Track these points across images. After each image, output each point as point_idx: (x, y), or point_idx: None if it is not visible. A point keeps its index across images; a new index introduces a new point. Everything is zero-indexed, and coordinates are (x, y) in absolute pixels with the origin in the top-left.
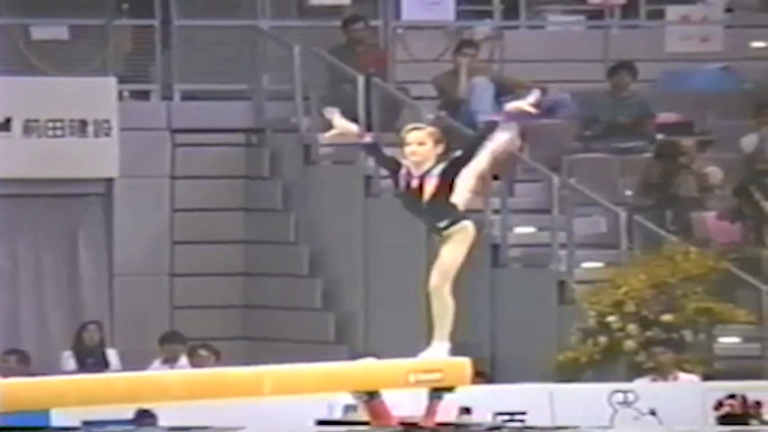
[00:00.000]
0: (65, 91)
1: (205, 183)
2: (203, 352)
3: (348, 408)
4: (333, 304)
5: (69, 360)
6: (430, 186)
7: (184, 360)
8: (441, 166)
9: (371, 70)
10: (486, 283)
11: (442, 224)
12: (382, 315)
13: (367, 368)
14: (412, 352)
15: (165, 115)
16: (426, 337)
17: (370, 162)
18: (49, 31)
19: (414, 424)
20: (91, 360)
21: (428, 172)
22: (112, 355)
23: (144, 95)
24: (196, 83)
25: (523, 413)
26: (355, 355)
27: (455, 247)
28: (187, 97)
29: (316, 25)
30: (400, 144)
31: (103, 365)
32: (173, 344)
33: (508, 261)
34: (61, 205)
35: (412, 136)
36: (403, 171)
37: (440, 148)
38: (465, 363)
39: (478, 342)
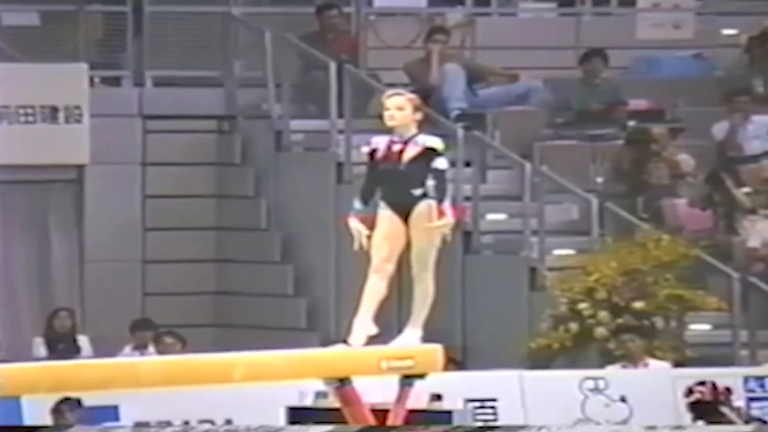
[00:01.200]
0: (36, 78)
1: (176, 169)
2: (169, 339)
3: (319, 395)
4: (304, 291)
5: (40, 347)
6: (411, 151)
7: (152, 347)
8: (429, 142)
9: (343, 57)
10: (458, 270)
11: (418, 192)
12: (353, 302)
13: (339, 355)
14: (383, 339)
15: (136, 101)
16: (397, 324)
17: (341, 149)
18: (19, 16)
19: (385, 411)
20: (62, 346)
21: (412, 138)
22: (84, 341)
23: (115, 81)
24: (167, 69)
25: (494, 400)
26: (326, 342)
27: (425, 232)
28: (159, 83)
29: (288, 11)
30: (385, 109)
31: (74, 352)
32: (144, 331)
33: (480, 248)
34: (32, 191)
35: (391, 102)
36: (384, 140)
37: (419, 115)
38: (437, 350)
39: (450, 329)
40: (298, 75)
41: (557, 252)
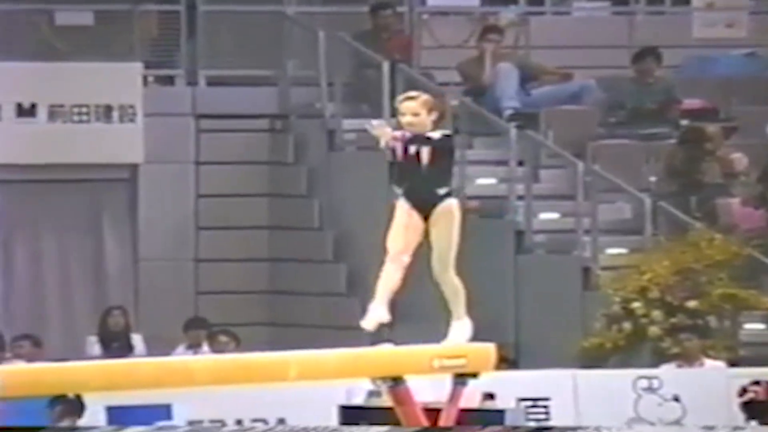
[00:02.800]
0: (90, 77)
1: (229, 169)
2: (223, 338)
3: (372, 394)
4: (357, 290)
5: (94, 345)
6: (426, 152)
7: (206, 346)
8: (436, 137)
9: (396, 56)
10: (510, 270)
11: (442, 191)
12: (405, 300)
13: (392, 354)
14: (435, 337)
15: (190, 100)
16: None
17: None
18: (74, 16)
19: (438, 410)
20: (115, 345)
21: (426, 140)
22: (137, 340)
23: (169, 81)
24: (221, 69)
25: (547, 399)
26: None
27: (446, 232)
28: (212, 82)
29: (342, 10)
30: (401, 114)
31: (127, 350)
32: (197, 330)
33: (533, 247)
34: (86, 190)
35: (405, 107)
36: (399, 140)
37: (434, 116)
38: (489, 349)
39: (502, 327)
40: (351, 74)
41: (610, 251)
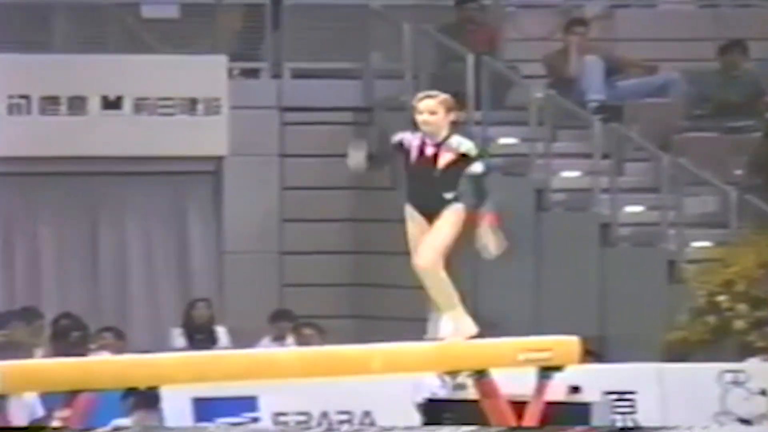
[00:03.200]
0: (175, 70)
1: (314, 161)
2: (307, 330)
3: (457, 386)
4: None
5: (178, 337)
6: (446, 157)
7: (291, 338)
8: (464, 147)
9: (481, 49)
10: (595, 262)
11: (449, 196)
12: (491, 293)
13: (477, 347)
14: (521, 329)
15: (275, 93)
16: (535, 315)
17: (478, 140)
18: (159, 9)
19: (523, 403)
20: (200, 337)
21: (445, 142)
22: (221, 332)
23: (254, 73)
24: (305, 62)
25: (632, 393)
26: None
27: (447, 227)
28: (297, 75)
29: (427, 3)
30: (417, 113)
31: (211, 343)
32: (282, 322)
33: (618, 240)
34: (171, 183)
35: (423, 105)
36: (416, 141)
37: (452, 116)
38: (574, 342)
39: (587, 320)
40: (436, 67)
41: (695, 244)
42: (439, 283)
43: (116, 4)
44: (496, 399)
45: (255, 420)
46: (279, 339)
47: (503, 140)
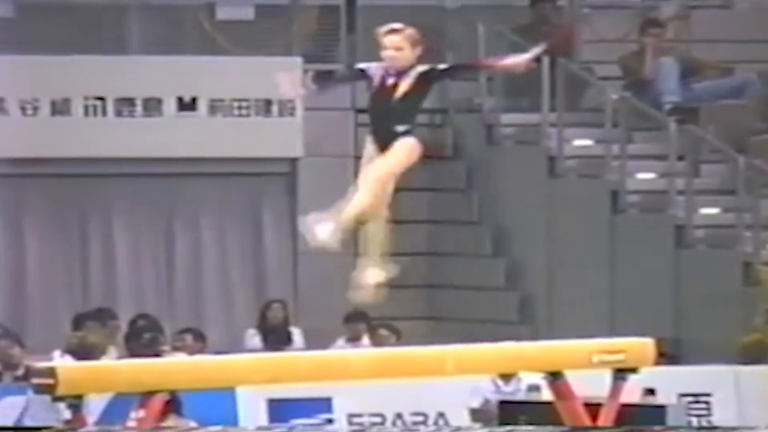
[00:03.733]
0: (250, 71)
1: None
2: (383, 332)
3: (531, 388)
4: (516, 284)
5: (254, 338)
6: (405, 84)
7: (366, 339)
8: (420, 68)
9: (557, 50)
10: (670, 264)
11: (401, 128)
12: (564, 295)
13: (551, 348)
14: (596, 331)
15: (349, 94)
16: (610, 317)
17: (553, 143)
18: (235, 11)
19: (598, 405)
20: (275, 338)
21: (407, 72)
22: (296, 333)
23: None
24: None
25: (708, 395)
26: (537, 336)
27: (395, 157)
28: None
29: (501, 4)
30: (382, 48)
31: (286, 343)
32: (357, 323)
33: (693, 242)
34: (246, 184)
35: (388, 40)
36: (379, 71)
37: (418, 50)
38: (649, 344)
39: (662, 322)
40: None
41: None
42: (380, 228)
43: (191, 6)
44: (571, 401)
45: (329, 421)
46: (354, 340)
47: (578, 142)
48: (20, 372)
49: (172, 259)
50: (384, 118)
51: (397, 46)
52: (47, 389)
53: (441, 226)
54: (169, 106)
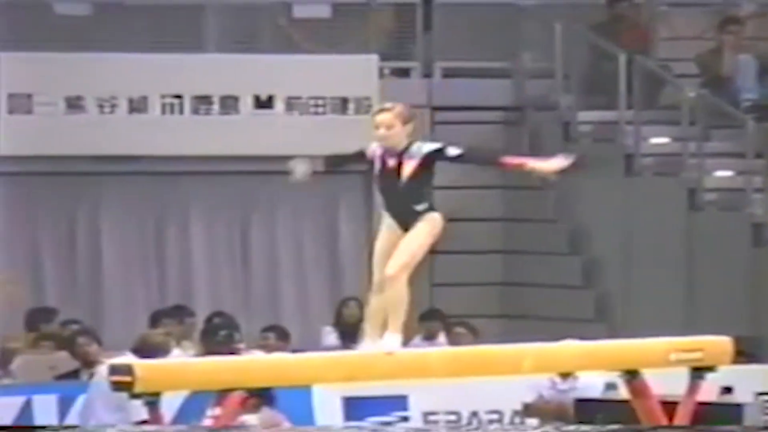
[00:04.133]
0: (327, 69)
1: None
2: (460, 330)
3: (609, 386)
4: (592, 282)
5: (330, 335)
6: (409, 166)
7: (443, 337)
8: (426, 148)
9: (633, 48)
10: (748, 262)
11: (420, 207)
12: (641, 293)
13: (628, 347)
14: (671, 330)
15: (425, 92)
16: (687, 315)
17: (630, 140)
18: (311, 9)
19: (675, 404)
20: (351, 336)
21: (406, 151)
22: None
23: (404, 73)
24: (456, 61)
25: None
26: (613, 334)
27: (421, 237)
28: (448, 74)
29: (579, 2)
30: (374, 127)
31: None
32: (432, 321)
33: None
34: (322, 182)
35: (379, 119)
36: (378, 151)
37: (410, 128)
38: (726, 342)
39: (739, 320)
40: (587, 66)
41: None
42: (396, 299)
43: (268, 4)
44: (648, 399)
45: (405, 419)
46: (430, 338)
47: (655, 140)
48: (97, 369)
49: (248, 256)
50: (397, 201)
51: (387, 124)
52: (124, 386)
53: (517, 224)
54: (246, 104)
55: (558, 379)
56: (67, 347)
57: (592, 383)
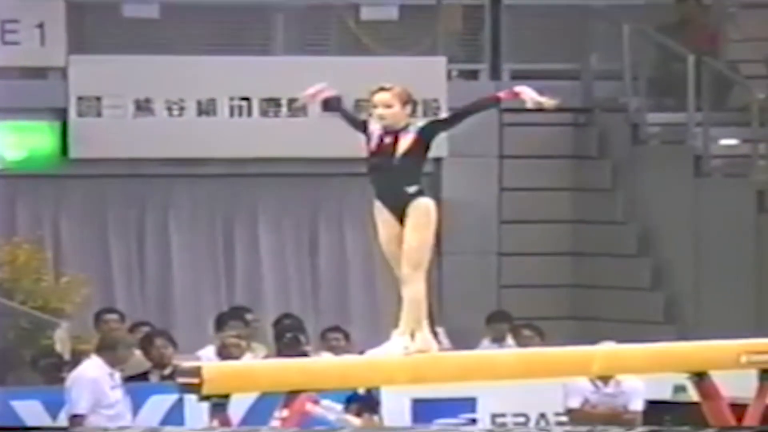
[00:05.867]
0: (394, 71)
1: (532, 162)
2: (527, 332)
3: (677, 388)
4: (661, 284)
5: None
6: (405, 142)
7: (511, 339)
8: (420, 124)
9: (702, 49)
10: None
11: (412, 190)
12: (710, 295)
13: (698, 349)
14: (742, 332)
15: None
16: (757, 317)
17: (699, 142)
18: (379, 11)
19: (744, 406)
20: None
21: (404, 129)
22: (440, 333)
23: (472, 75)
24: (524, 63)
25: None
26: (683, 336)
27: (421, 232)
28: (516, 76)
29: (647, 2)
30: (372, 106)
31: None
32: (500, 323)
33: None
34: None
35: (378, 98)
36: (376, 128)
37: (408, 109)
38: None
39: None
40: (656, 67)
41: None
42: (411, 300)
43: (336, 6)
44: (717, 401)
45: (473, 421)
46: (498, 340)
47: (724, 141)
48: (167, 371)
49: (316, 259)
50: (389, 179)
51: (386, 103)
52: (193, 389)
53: (586, 225)
54: (314, 106)
55: (601, 383)
56: (143, 348)
57: (636, 387)
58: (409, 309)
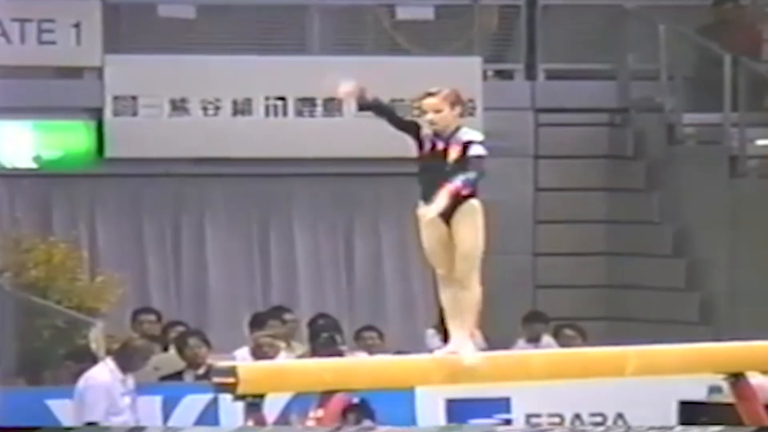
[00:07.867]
0: (430, 71)
1: (567, 162)
2: (569, 332)
3: (713, 389)
4: (697, 285)
5: (433, 338)
6: (455, 151)
7: (546, 339)
8: (465, 137)
9: (739, 50)
10: None
11: (464, 192)
12: (746, 296)
13: (734, 350)
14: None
15: (529, 94)
16: None
17: (735, 142)
18: (414, 11)
19: None
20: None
21: (454, 135)
22: (476, 333)
23: (508, 75)
24: (560, 63)
25: None
26: (719, 337)
27: (470, 232)
28: (552, 76)
29: (683, 3)
30: (422, 112)
31: None
32: (536, 323)
33: None
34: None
35: (427, 104)
36: (429, 133)
37: (458, 110)
38: None
39: None
40: (692, 68)
41: None
42: (468, 300)
43: (371, 6)
44: (753, 402)
45: (507, 421)
46: (533, 340)
47: (760, 142)
48: (201, 371)
49: (351, 258)
50: (440, 184)
51: (436, 108)
52: (228, 388)
53: (621, 226)
54: (350, 105)
55: None
56: (177, 348)
57: None
58: (470, 310)
